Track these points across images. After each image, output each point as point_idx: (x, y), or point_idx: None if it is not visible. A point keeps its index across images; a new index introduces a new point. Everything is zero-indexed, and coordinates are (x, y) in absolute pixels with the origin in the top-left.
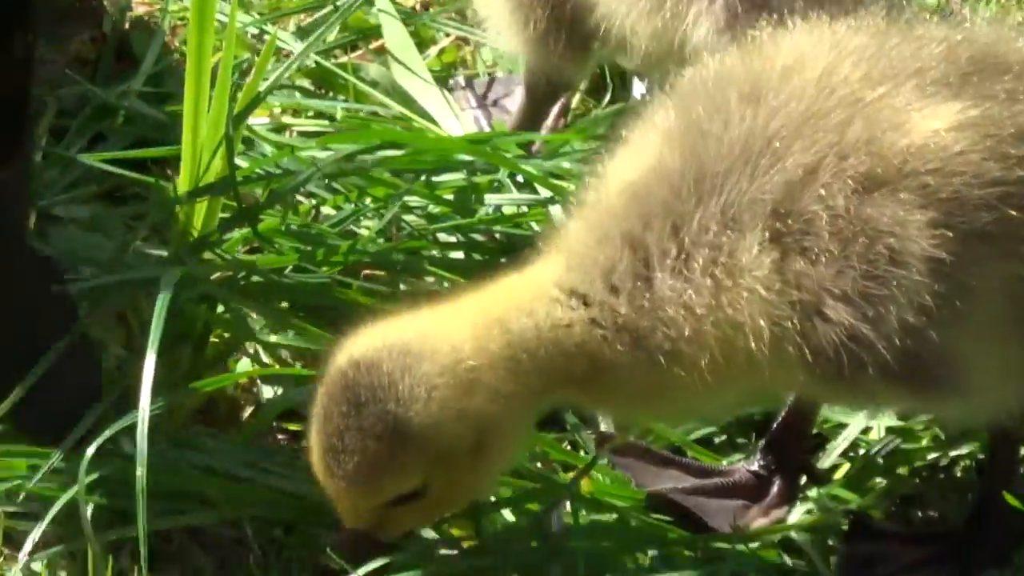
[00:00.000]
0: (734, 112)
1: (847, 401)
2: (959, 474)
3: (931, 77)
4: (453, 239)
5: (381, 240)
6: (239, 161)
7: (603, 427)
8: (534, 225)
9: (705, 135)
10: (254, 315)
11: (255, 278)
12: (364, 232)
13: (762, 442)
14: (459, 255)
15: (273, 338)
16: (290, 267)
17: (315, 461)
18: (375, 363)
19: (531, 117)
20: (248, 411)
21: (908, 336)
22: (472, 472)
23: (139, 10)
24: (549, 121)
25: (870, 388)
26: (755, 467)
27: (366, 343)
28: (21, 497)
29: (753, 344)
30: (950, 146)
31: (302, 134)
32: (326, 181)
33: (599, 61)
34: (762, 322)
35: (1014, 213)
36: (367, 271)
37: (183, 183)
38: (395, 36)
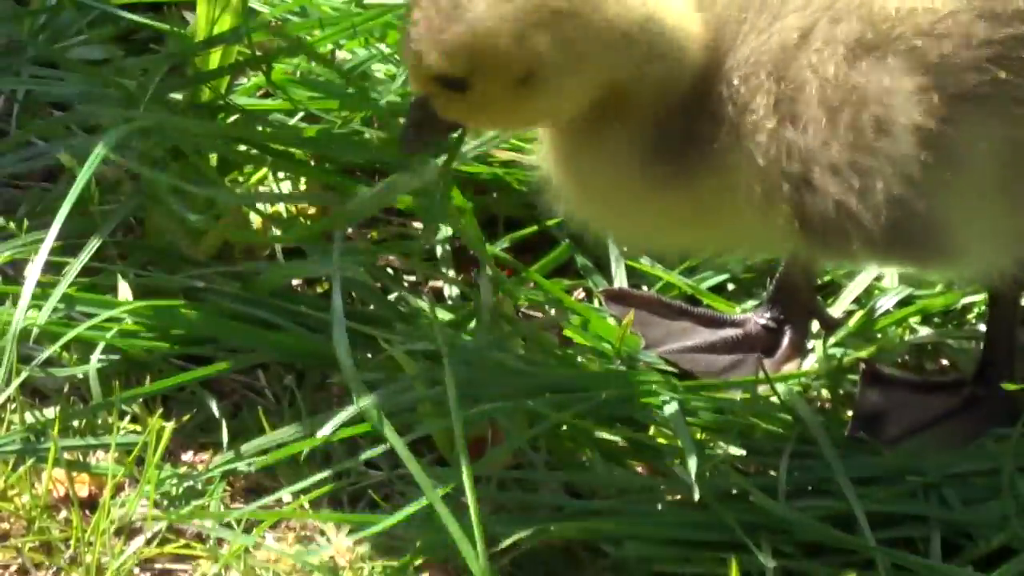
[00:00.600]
0: None
1: (836, 263)
2: (973, 321)
3: None
4: None
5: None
6: (254, 4)
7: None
8: None
9: None
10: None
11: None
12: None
13: (768, 291)
14: None
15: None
16: (301, 115)
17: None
18: None
19: None
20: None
21: (895, 207)
22: (513, 100)
23: None
24: None
25: (855, 254)
26: (765, 318)
27: None
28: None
29: (745, 207)
30: (939, 8)
31: None
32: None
33: None
34: (757, 188)
35: (1004, 74)
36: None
37: (200, 28)
38: None
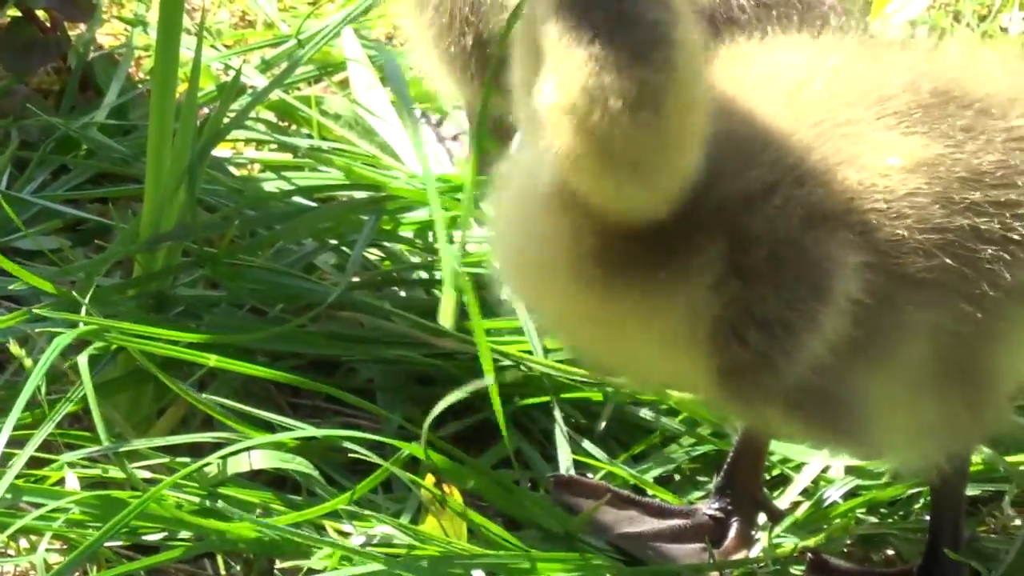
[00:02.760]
0: (714, 115)
1: (739, 415)
2: (918, 512)
3: (893, 107)
4: (416, 278)
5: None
6: (202, 196)
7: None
8: None
9: None
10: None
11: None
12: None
13: (716, 481)
14: (423, 295)
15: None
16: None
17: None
18: None
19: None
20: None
21: (816, 375)
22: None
23: (103, 41)
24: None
25: (765, 411)
26: (712, 508)
27: None
28: None
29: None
30: (897, 188)
31: (265, 166)
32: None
33: None
34: (687, 326)
35: (950, 262)
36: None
37: (145, 223)
38: (359, 69)
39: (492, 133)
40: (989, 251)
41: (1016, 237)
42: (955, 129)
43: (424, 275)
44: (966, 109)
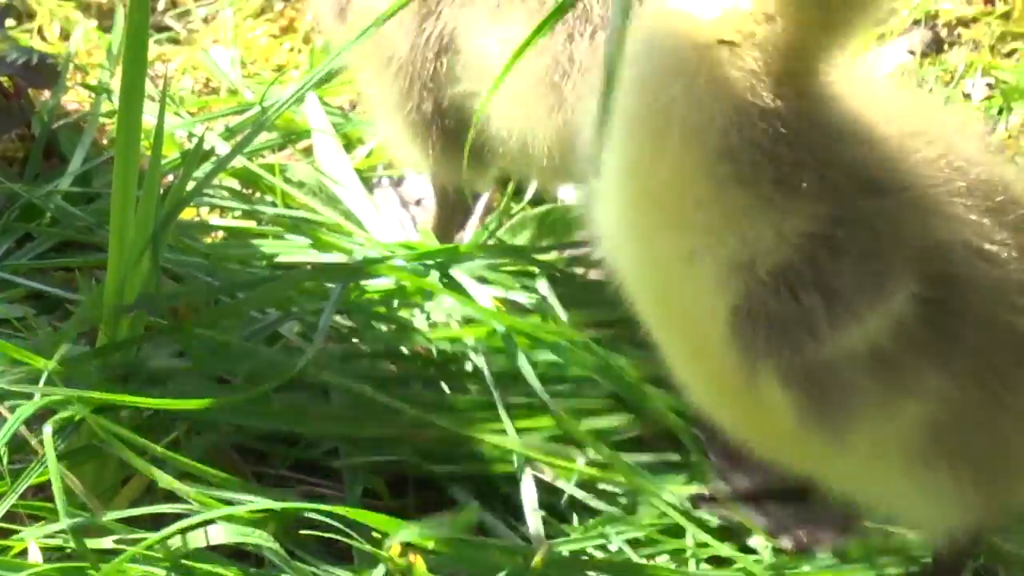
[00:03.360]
0: None
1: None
2: None
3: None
4: (383, 348)
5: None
6: (166, 264)
7: None
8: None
9: None
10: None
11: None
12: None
13: None
14: (390, 367)
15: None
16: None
17: None
18: None
19: (446, 223)
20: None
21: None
22: None
23: (68, 108)
24: (474, 220)
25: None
26: None
27: None
28: None
29: None
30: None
31: (230, 234)
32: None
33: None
34: None
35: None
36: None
37: (108, 292)
38: (323, 137)
39: (456, 200)
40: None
41: None
42: None
43: (391, 345)
44: None
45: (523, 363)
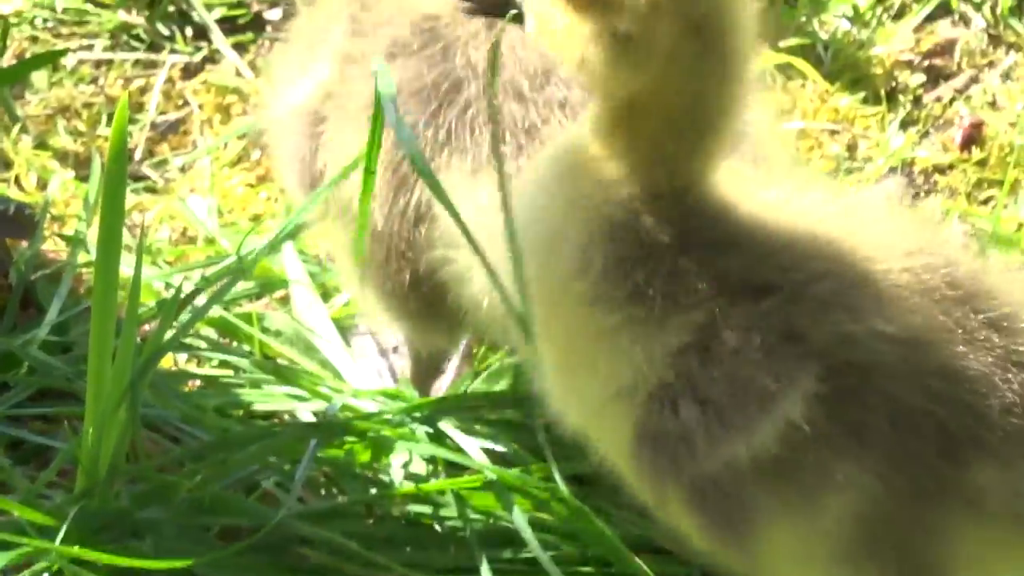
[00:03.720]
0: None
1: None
2: None
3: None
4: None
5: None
6: (143, 413)
7: None
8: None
9: None
10: None
11: None
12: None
13: None
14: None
15: None
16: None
17: None
18: None
19: (423, 374)
20: None
21: (729, 472)
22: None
23: (45, 257)
24: (450, 374)
25: (667, 490)
26: None
27: None
28: None
29: None
30: (875, 347)
31: (207, 382)
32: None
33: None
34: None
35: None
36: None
37: (86, 443)
38: (300, 288)
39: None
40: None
41: (979, 441)
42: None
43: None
44: (977, 314)
45: (517, 516)
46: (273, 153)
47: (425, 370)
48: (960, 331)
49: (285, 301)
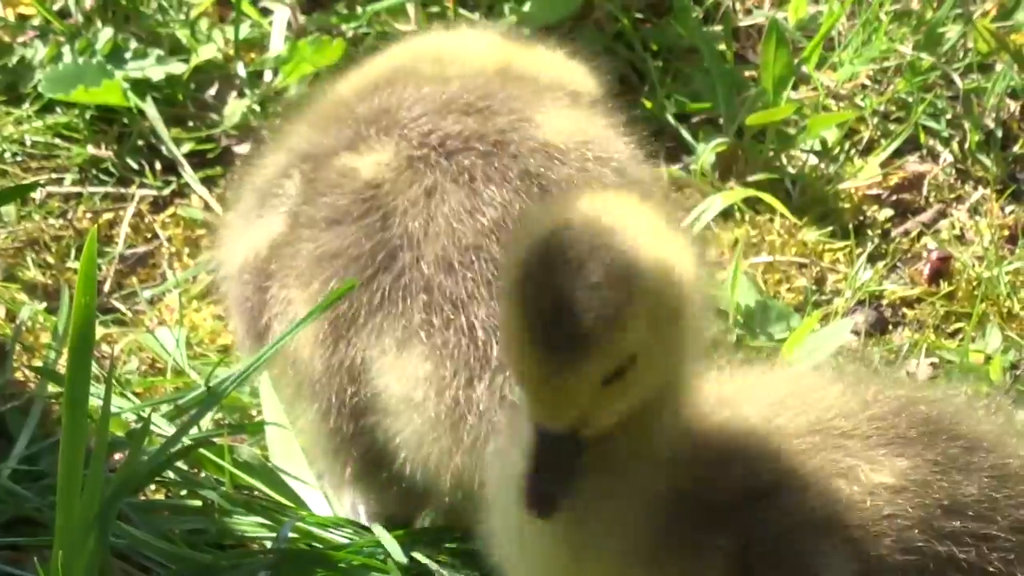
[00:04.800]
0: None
1: None
2: None
3: (885, 425)
4: None
5: None
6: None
7: None
8: None
9: None
10: None
11: None
12: None
13: None
14: None
15: None
16: None
17: (525, 352)
18: (588, 222)
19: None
20: None
21: None
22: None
23: (15, 388)
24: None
25: None
26: None
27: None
28: None
29: None
30: (881, 507)
31: (176, 513)
32: None
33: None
34: None
35: None
36: None
37: (55, 573)
38: (273, 424)
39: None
40: None
41: (991, 569)
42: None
43: None
44: (954, 441)
45: None
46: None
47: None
48: (946, 459)
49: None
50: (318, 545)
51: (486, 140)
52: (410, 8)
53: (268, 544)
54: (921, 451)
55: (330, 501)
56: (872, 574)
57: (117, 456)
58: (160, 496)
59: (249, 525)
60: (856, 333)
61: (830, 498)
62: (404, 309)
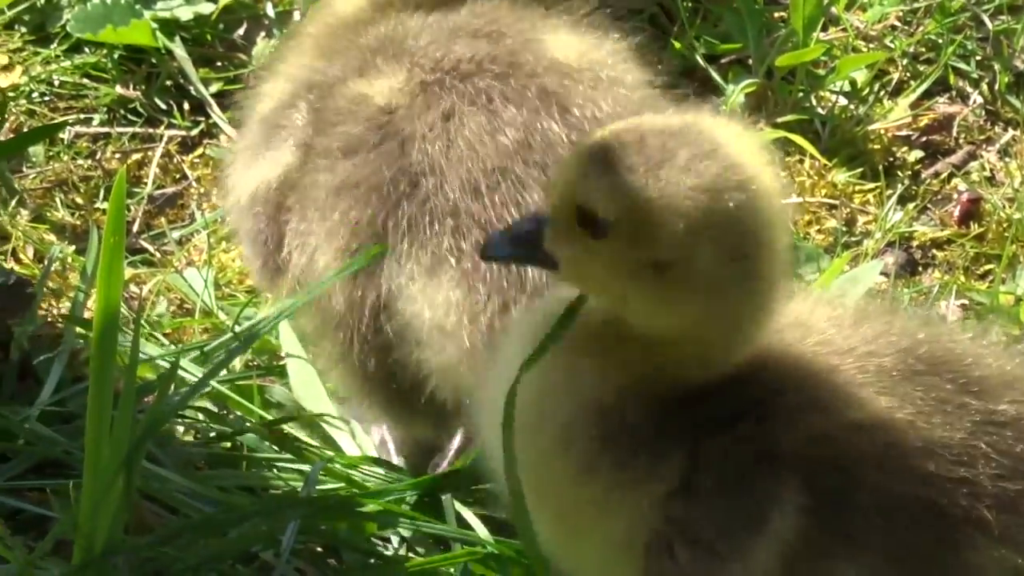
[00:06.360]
0: None
1: None
2: None
3: (877, 364)
4: None
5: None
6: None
7: None
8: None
9: None
10: None
11: None
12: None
13: None
14: None
15: None
16: None
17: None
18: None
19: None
20: None
21: None
22: (632, 278)
23: (43, 329)
24: (450, 455)
25: None
26: None
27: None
28: None
29: None
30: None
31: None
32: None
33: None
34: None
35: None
36: None
37: (83, 514)
38: (297, 362)
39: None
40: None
41: (974, 516)
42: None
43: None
44: (949, 382)
45: None
46: (236, 233)
47: (421, 451)
48: (934, 401)
49: (284, 372)
50: (347, 487)
51: (500, 61)
52: None
53: (298, 487)
54: (911, 391)
55: (359, 439)
56: (822, 509)
57: (147, 399)
58: (190, 438)
59: (279, 465)
60: (886, 274)
61: (798, 434)
62: (432, 235)
